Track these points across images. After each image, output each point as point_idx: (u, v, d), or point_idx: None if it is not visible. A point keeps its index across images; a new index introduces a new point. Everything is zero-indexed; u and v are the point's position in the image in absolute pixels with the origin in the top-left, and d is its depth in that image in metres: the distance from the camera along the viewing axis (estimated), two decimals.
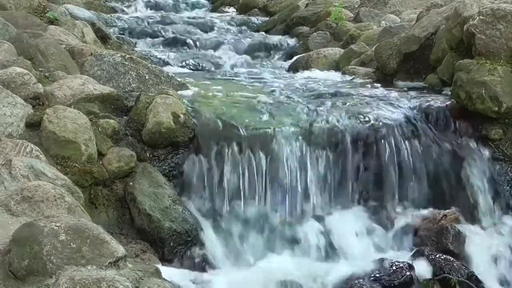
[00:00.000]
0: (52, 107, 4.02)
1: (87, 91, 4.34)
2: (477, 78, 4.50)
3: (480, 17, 4.64)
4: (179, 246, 3.88)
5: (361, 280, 3.76)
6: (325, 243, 4.13)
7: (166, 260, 3.82)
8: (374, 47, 6.02)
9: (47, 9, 6.75)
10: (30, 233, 2.63)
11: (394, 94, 5.09)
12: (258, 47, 8.07)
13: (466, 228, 4.27)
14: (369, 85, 5.51)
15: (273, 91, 5.18)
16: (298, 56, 7.30)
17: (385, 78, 5.69)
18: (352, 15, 8.40)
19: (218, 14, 10.06)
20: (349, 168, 4.38)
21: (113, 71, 5.00)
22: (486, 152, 4.52)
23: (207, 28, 8.69)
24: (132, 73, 5.00)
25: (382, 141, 4.44)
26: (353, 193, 4.39)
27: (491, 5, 4.72)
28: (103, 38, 6.96)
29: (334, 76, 6.08)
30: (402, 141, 4.46)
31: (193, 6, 10.75)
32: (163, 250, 3.85)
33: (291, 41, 8.21)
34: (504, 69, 4.50)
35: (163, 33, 8.20)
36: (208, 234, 4.01)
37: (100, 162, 4.00)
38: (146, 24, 8.55)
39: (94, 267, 2.58)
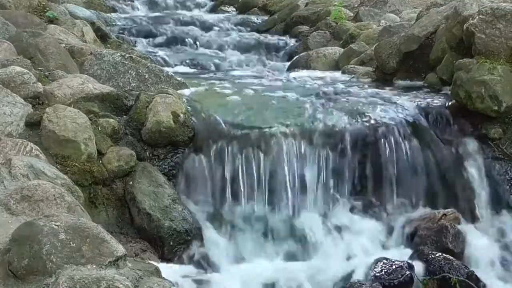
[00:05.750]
0: (52, 106, 4.02)
1: (86, 90, 4.34)
2: (476, 77, 4.50)
3: (480, 16, 4.64)
4: (178, 245, 3.88)
5: (360, 279, 3.77)
6: (325, 241, 4.13)
7: (166, 259, 3.82)
8: (374, 46, 6.02)
9: (47, 8, 6.75)
10: (30, 232, 2.63)
11: (393, 93, 5.09)
12: (257, 46, 8.06)
13: (466, 228, 4.27)
14: (368, 84, 5.52)
15: (272, 90, 5.18)
16: (297, 55, 7.30)
17: (385, 77, 5.69)
18: (352, 14, 8.40)
19: (218, 14, 10.06)
20: (348, 167, 4.38)
21: (113, 70, 5.00)
22: (486, 151, 4.52)
23: (206, 27, 8.68)
24: (132, 72, 5.00)
25: (382, 140, 4.44)
26: (352, 192, 4.40)
27: (491, 4, 4.72)
28: (102, 37, 6.96)
29: (334, 75, 6.08)
30: (402, 140, 4.47)
31: (193, 6, 10.74)
32: (163, 249, 3.86)
33: (291, 41, 8.21)
34: (504, 68, 4.50)
35: (163, 32, 8.20)
36: (208, 233, 4.01)
37: (100, 161, 4.00)
38: (146, 23, 8.54)
39: (94, 266, 2.58)
